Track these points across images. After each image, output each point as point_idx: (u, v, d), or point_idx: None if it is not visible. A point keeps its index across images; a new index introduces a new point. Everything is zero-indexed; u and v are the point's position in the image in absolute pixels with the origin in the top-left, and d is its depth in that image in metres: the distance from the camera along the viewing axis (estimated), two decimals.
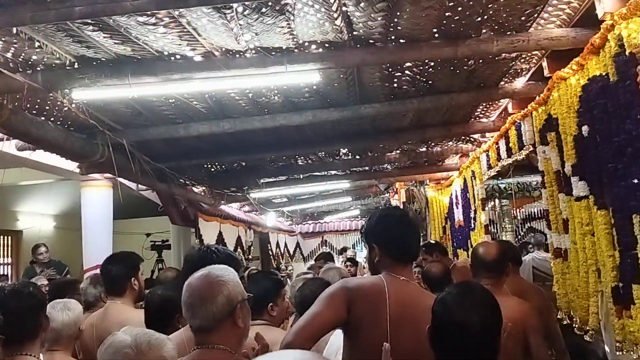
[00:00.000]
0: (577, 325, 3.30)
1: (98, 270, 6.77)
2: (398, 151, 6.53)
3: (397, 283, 2.12)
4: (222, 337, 1.85)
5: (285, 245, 14.17)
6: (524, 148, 4.07)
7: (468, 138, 5.98)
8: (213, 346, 1.84)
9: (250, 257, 10.97)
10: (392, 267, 2.17)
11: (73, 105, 3.69)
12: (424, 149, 6.55)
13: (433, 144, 6.37)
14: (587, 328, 3.15)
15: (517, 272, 3.83)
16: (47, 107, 3.67)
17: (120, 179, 5.19)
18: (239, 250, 9.66)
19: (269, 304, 3.37)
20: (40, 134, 3.62)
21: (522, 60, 3.81)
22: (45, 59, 3.12)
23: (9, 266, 10.45)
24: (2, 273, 9.52)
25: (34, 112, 3.65)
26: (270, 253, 12.77)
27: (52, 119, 3.81)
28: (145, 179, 5.34)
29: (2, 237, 10.79)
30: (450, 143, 6.35)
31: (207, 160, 5.63)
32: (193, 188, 6.72)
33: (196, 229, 7.76)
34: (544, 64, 3.59)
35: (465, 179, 7.06)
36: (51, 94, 3.32)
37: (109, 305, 3.18)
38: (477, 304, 1.68)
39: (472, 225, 6.86)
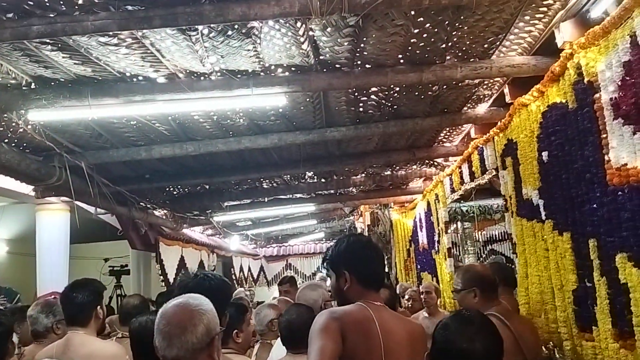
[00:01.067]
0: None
1: (51, 297, 6.59)
2: (363, 174, 6.55)
3: (380, 310, 2.11)
4: None
5: (249, 269, 13.98)
6: (487, 172, 4.13)
7: (432, 162, 6.05)
8: None
9: None
10: (365, 294, 2.15)
11: (29, 127, 3.57)
12: (389, 172, 6.59)
13: (398, 167, 6.41)
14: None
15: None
16: (0, 129, 3.52)
17: (78, 202, 5.02)
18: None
19: (233, 330, 3.30)
20: None
21: (485, 87, 3.88)
22: None
23: None
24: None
25: None
26: (234, 277, 12.56)
27: (6, 140, 3.66)
28: (104, 203, 5.18)
29: None
30: (415, 167, 6.41)
31: (170, 183, 5.52)
32: (154, 212, 6.56)
33: (157, 253, 7.58)
34: (506, 90, 3.67)
35: (429, 202, 7.12)
36: (5, 115, 3.19)
37: (71, 337, 2.98)
38: (480, 332, 1.69)
39: (436, 247, 6.89)
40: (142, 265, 8.78)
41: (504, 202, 3.85)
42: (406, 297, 6.15)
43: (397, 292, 7.56)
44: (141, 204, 5.86)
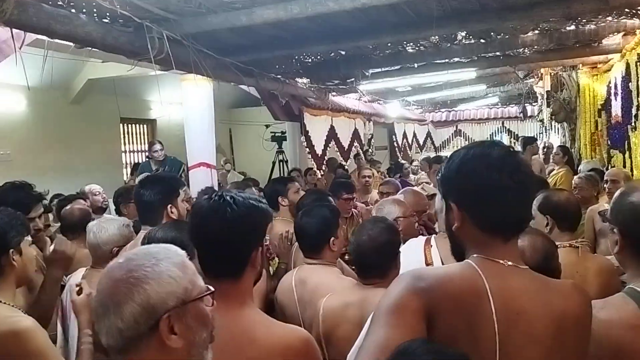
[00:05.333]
0: None
1: (201, 168, 6.62)
2: (536, 31, 5.12)
3: (501, 273, 1.26)
4: None
5: (414, 136, 13.18)
6: None
7: (634, 11, 4.42)
8: None
9: (371, 150, 10.29)
10: (485, 243, 1.30)
11: None
12: (572, 28, 5.06)
13: (584, 20, 4.86)
14: None
15: None
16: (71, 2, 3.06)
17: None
18: (355, 144, 8.99)
19: (330, 238, 2.73)
20: (68, 30, 3.05)
21: None
22: None
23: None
24: (138, 161, 9.83)
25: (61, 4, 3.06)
26: (396, 145, 11.95)
27: (84, 11, 3.21)
28: (227, 74, 4.73)
29: (138, 125, 11.27)
30: (609, 18, 4.79)
31: (292, 51, 4.79)
32: (289, 81, 5.98)
33: (301, 124, 7.16)
34: None
35: (628, 64, 5.51)
36: None
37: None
38: None
39: (633, 122, 5.46)
40: (297, 133, 8.51)
41: None
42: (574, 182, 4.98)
43: (578, 170, 6.36)
44: (271, 74, 5.31)
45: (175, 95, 10.76)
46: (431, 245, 2.63)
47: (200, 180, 6.46)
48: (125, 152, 10.53)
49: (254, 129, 11.30)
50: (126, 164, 10.32)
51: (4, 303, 2.07)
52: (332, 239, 2.68)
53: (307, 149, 7.23)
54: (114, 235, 2.75)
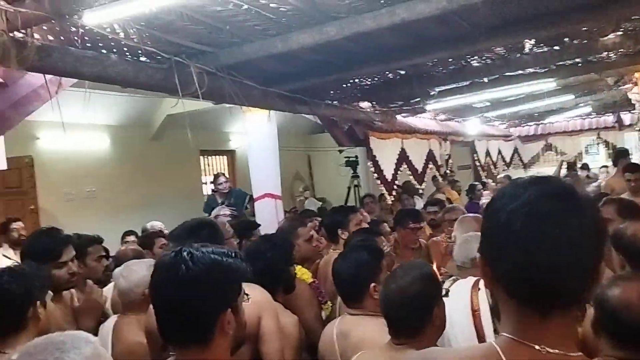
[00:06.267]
0: None
1: (266, 199, 6.50)
2: (618, 33, 4.54)
3: None
4: None
5: (499, 152, 12.41)
6: None
7: None
8: None
9: (449, 171, 9.75)
10: (516, 317, 0.96)
11: (132, 31, 2.99)
12: None
13: None
14: None
15: None
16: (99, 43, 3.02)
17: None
18: (430, 166, 8.53)
19: (370, 284, 2.43)
20: (98, 71, 3.00)
21: None
22: None
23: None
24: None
25: (89, 46, 3.03)
26: (478, 163, 11.28)
27: (114, 50, 3.16)
28: (277, 104, 4.58)
29: (218, 156, 11.54)
30: None
31: (342, 75, 4.53)
32: (347, 106, 5.72)
33: (367, 149, 6.86)
34: None
35: None
36: (67, 21, 2.60)
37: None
38: None
39: None
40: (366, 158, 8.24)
41: None
42: None
43: None
44: (326, 101, 5.10)
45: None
46: (479, 288, 2.25)
47: (265, 212, 6.36)
48: (205, 183, 10.74)
49: (333, 155, 11.16)
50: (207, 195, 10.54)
51: None
52: (373, 285, 2.37)
53: (375, 174, 6.90)
54: (145, 276, 2.61)
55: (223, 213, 5.73)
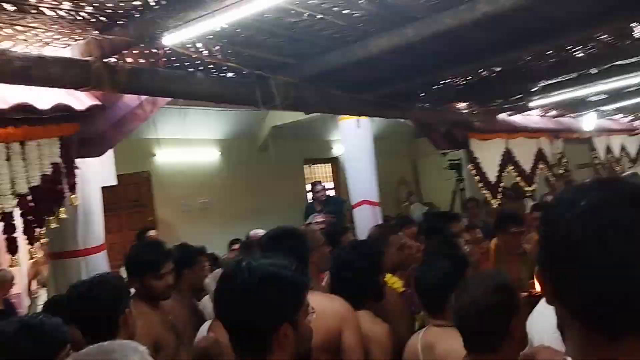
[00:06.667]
0: None
1: (364, 206, 6.47)
2: None
3: None
4: None
5: (623, 148, 11.35)
6: None
7: None
8: None
9: (564, 170, 9.08)
10: (580, 338, 0.84)
11: (216, 49, 3.13)
12: None
13: None
14: None
15: None
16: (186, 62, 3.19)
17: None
18: (541, 166, 8.00)
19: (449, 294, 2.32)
20: (185, 89, 3.18)
21: None
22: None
23: (333, 190, 11.26)
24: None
25: (177, 66, 3.21)
26: (597, 161, 10.40)
27: (200, 68, 3.32)
28: (366, 110, 4.55)
29: (322, 165, 11.75)
30: None
31: (432, 76, 4.39)
32: (441, 108, 5.53)
33: (467, 152, 6.59)
34: None
35: None
36: (145, 44, 2.77)
37: None
38: None
39: None
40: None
41: None
42: None
43: None
44: (419, 104, 4.97)
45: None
46: None
47: (364, 219, 6.35)
48: (310, 192, 10.94)
49: (439, 158, 10.87)
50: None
51: None
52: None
53: (477, 177, 6.61)
54: None
55: (316, 221, 5.79)
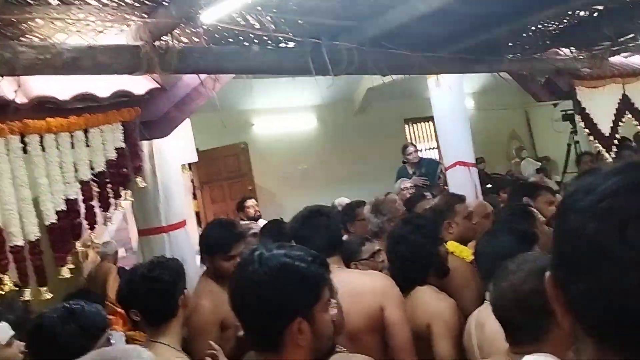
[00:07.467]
0: None
1: (457, 167, 6.18)
2: None
3: None
4: None
5: None
6: None
7: None
8: None
9: None
10: (588, 352, 0.68)
11: (267, 19, 3.03)
12: None
13: None
14: None
15: None
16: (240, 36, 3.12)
17: None
18: None
19: None
20: (240, 64, 3.11)
21: None
22: None
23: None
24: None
25: (231, 41, 3.16)
26: None
27: (255, 41, 3.23)
28: (447, 67, 4.23)
29: (423, 123, 11.37)
30: None
31: (513, 24, 3.92)
32: (537, 56, 4.99)
33: (574, 102, 5.94)
34: None
35: None
36: (183, 22, 2.72)
37: None
38: None
39: None
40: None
41: None
42: None
43: None
44: (508, 55, 4.52)
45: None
46: None
47: (458, 180, 6.02)
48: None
49: (553, 109, 10.03)
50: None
51: (170, 346, 2.20)
52: None
53: (587, 130, 5.97)
54: None
55: (404, 186, 5.58)
